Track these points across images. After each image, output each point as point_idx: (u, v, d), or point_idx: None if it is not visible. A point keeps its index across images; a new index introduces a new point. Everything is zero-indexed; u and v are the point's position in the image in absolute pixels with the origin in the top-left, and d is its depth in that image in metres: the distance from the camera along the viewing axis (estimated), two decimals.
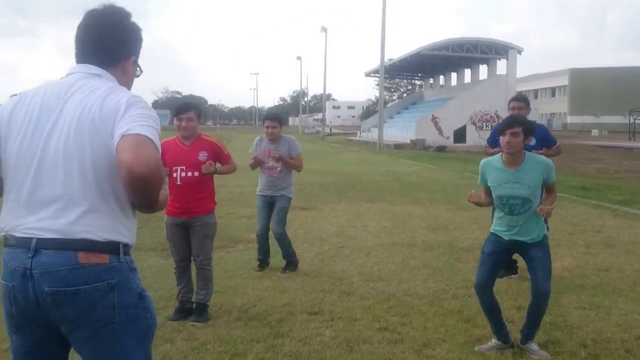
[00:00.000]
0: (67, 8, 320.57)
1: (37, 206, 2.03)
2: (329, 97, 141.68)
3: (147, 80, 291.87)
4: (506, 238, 4.42)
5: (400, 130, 47.96)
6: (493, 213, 4.88)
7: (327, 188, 15.09)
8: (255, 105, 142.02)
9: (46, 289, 1.97)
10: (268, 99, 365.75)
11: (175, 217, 5.21)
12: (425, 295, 5.80)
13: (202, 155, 5.13)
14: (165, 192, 2.18)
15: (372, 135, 49.59)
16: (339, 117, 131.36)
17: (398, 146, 40.18)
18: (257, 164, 6.80)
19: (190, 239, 5.26)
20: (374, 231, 9.16)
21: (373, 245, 8.11)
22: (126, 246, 2.12)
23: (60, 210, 2.00)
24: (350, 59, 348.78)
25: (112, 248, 2.05)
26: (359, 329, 4.89)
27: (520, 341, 4.45)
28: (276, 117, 6.95)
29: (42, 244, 1.98)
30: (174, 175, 5.09)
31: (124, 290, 2.07)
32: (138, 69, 2.37)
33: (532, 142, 5.92)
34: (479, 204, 4.67)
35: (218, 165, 5.27)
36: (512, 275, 6.43)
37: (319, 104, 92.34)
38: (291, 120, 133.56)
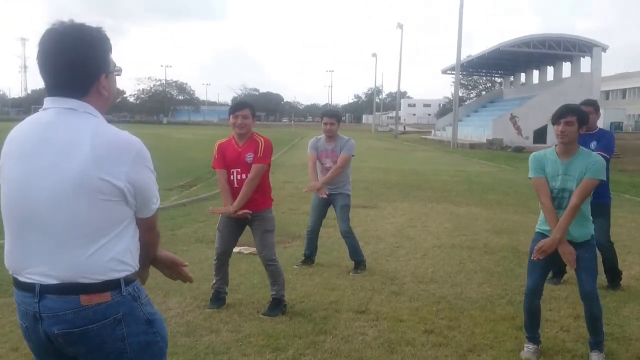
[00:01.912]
0: (151, 6, 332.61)
1: (32, 252, 2.08)
2: (404, 94, 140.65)
3: (225, 78, 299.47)
4: None
5: (476, 129, 47.09)
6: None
7: (391, 187, 15.01)
8: (330, 102, 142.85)
9: (56, 331, 2.06)
10: (343, 97, 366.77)
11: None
12: (477, 300, 5.70)
13: (249, 157, 5.23)
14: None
15: (447, 134, 48.92)
16: (414, 115, 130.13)
17: (473, 146, 39.46)
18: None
19: (253, 236, 5.43)
20: (434, 232, 9.06)
21: (431, 246, 8.03)
22: (127, 278, 2.17)
23: (56, 255, 2.06)
24: (426, 56, 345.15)
25: (112, 285, 2.11)
26: (404, 330, 4.87)
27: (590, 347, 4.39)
28: (335, 114, 7.00)
29: (45, 289, 2.06)
30: (232, 177, 5.26)
31: (131, 320, 2.15)
32: (115, 72, 2.26)
33: (592, 146, 5.73)
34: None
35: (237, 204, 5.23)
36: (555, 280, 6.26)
37: (393, 101, 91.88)
38: (365, 118, 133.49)
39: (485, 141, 40.55)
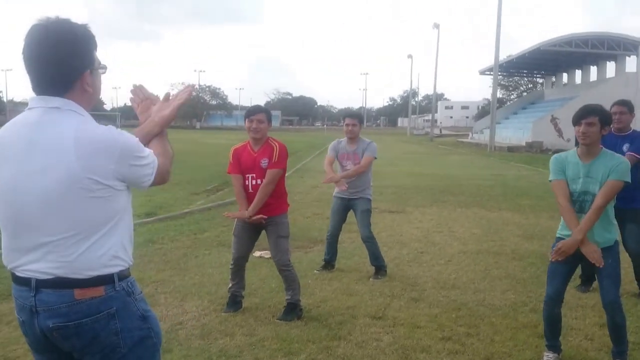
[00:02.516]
0: (189, 12, 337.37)
1: (26, 250, 2.16)
2: (441, 96, 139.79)
3: (259, 82, 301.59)
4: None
5: (515, 131, 46.52)
6: None
7: (422, 191, 14.95)
8: (364, 105, 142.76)
9: (50, 325, 2.14)
10: (377, 100, 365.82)
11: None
12: (500, 307, 5.65)
13: (264, 162, 5.30)
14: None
15: (484, 137, 48.42)
16: (451, 117, 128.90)
17: (511, 149, 38.98)
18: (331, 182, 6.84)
19: (267, 241, 5.50)
20: (460, 237, 9.00)
21: (456, 252, 7.98)
22: (121, 272, 2.24)
23: (49, 253, 2.13)
24: (465, 56, 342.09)
25: (105, 280, 2.18)
26: (420, 337, 4.86)
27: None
28: (357, 115, 7.03)
29: (41, 284, 2.14)
30: (247, 182, 5.35)
31: (125, 315, 2.22)
32: (100, 69, 2.31)
33: (625, 148, 5.64)
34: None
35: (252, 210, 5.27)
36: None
37: (430, 104, 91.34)
38: (400, 122, 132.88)
39: (524, 144, 40.01)
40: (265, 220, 5.32)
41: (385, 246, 8.20)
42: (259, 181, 5.28)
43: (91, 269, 2.14)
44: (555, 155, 4.46)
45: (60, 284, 2.12)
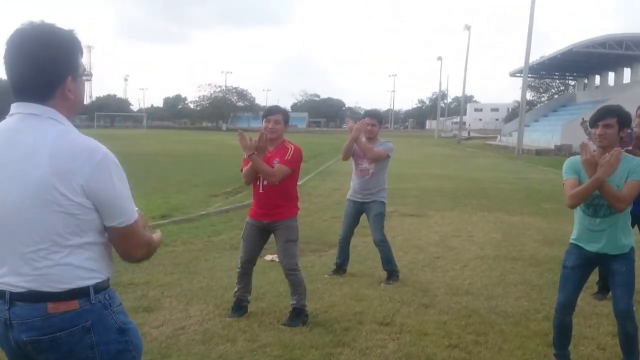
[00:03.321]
0: (216, 13, 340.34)
1: (1, 263, 2.12)
2: (470, 99, 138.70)
3: (286, 84, 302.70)
4: (588, 249, 4.11)
5: (544, 134, 45.91)
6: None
7: (444, 194, 14.80)
8: (392, 107, 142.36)
9: (24, 339, 2.10)
10: (406, 102, 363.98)
11: (256, 219, 5.40)
12: (512, 314, 5.52)
13: (276, 162, 5.24)
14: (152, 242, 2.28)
15: (513, 139, 47.85)
16: (480, 120, 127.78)
17: (540, 152, 38.47)
18: (351, 145, 6.58)
19: (275, 244, 5.46)
20: (479, 242, 8.86)
21: (473, 257, 7.85)
22: (97, 285, 2.17)
23: (21, 267, 2.08)
24: (495, 58, 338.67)
25: (80, 293, 2.12)
26: (426, 344, 4.76)
27: None
28: (377, 115, 6.95)
29: (15, 297, 2.09)
30: (257, 182, 5.28)
31: (101, 329, 2.15)
32: (84, 76, 2.27)
33: None
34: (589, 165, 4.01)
35: (276, 161, 5.20)
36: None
37: (459, 106, 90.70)
38: (428, 124, 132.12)
39: (553, 147, 39.42)
40: (275, 224, 5.28)
41: (400, 250, 8.12)
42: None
43: (64, 282, 2.08)
44: (570, 158, 4.33)
45: (33, 297, 2.07)
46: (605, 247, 4.05)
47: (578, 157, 4.26)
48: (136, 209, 2.15)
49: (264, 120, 5.29)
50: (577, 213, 4.19)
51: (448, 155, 36.01)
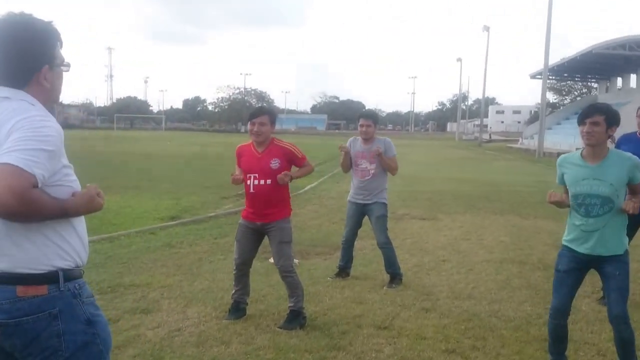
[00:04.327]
0: (235, 15, 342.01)
1: None
2: (491, 101, 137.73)
3: (305, 86, 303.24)
4: (581, 251, 4.05)
5: (566, 137, 45.42)
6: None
7: (458, 197, 14.70)
8: (412, 110, 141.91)
9: None
10: (426, 104, 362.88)
11: (249, 221, 5.39)
12: (513, 319, 5.45)
13: (274, 163, 5.23)
14: (85, 193, 2.19)
15: (534, 142, 47.44)
16: (502, 122, 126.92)
17: (561, 155, 38.00)
18: (347, 160, 6.76)
19: (270, 246, 5.45)
20: (488, 246, 8.77)
21: (480, 260, 7.77)
22: (68, 272, 2.20)
23: None
24: (517, 59, 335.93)
25: (50, 278, 2.14)
26: (423, 348, 4.71)
27: None
28: (371, 116, 6.90)
29: None
30: (248, 182, 5.28)
31: (69, 318, 2.17)
32: (62, 67, 2.31)
33: None
34: (559, 205, 4.23)
35: (294, 169, 5.38)
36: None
37: (480, 108, 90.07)
38: (449, 126, 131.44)
39: (575, 150, 38.99)
40: (268, 225, 5.28)
41: (407, 253, 8.08)
42: (261, 182, 5.21)
43: (34, 265, 2.12)
44: (561, 156, 4.30)
45: (4, 279, 2.11)
46: (596, 248, 3.99)
47: (566, 156, 4.24)
48: (39, 172, 1.99)
49: (250, 123, 5.29)
50: (570, 213, 4.14)
51: (467, 158, 35.79)
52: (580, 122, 4.00)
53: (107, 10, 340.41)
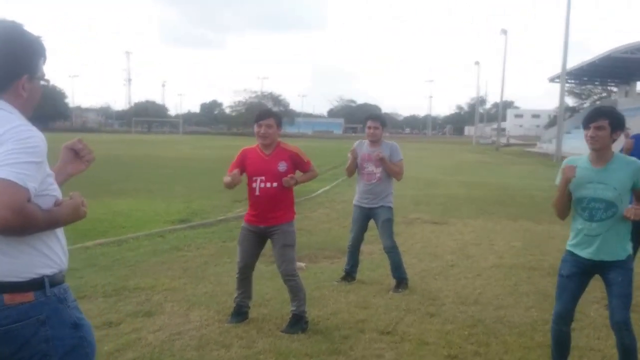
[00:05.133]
0: (252, 19, 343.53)
1: None
2: (510, 104, 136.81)
3: (322, 89, 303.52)
4: (583, 255, 3.99)
5: (584, 141, 44.76)
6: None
7: (472, 202, 14.60)
8: (430, 113, 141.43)
9: None
10: (444, 107, 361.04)
11: (252, 224, 5.38)
12: (519, 325, 5.39)
13: (282, 166, 5.24)
14: (71, 203, 2.21)
15: (552, 146, 47.01)
16: (520, 126, 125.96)
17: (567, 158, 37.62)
18: (354, 164, 6.75)
19: (272, 249, 5.43)
20: (498, 251, 8.69)
21: (489, 266, 7.70)
22: (53, 277, 2.21)
23: None
24: (537, 63, 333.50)
25: (35, 285, 2.16)
26: (424, 354, 4.68)
27: None
28: (379, 118, 6.88)
29: None
30: (253, 185, 5.27)
31: (56, 323, 2.20)
32: (41, 81, 2.32)
33: None
34: (566, 184, 4.04)
35: (298, 174, 5.38)
36: None
37: (498, 111, 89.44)
38: (467, 130, 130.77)
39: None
40: (271, 228, 5.28)
41: (415, 258, 8.03)
42: (268, 185, 5.21)
43: (20, 273, 2.14)
44: (567, 159, 4.24)
45: None
46: (599, 254, 3.95)
47: (573, 159, 4.17)
48: (29, 184, 2.00)
49: (256, 125, 5.29)
50: (574, 217, 4.09)
51: (483, 162, 35.56)
52: (585, 126, 3.96)
53: (126, 14, 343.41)
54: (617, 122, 3.91)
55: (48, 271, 2.20)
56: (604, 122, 3.88)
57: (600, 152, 3.94)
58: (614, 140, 3.94)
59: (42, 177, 2.11)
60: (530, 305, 5.97)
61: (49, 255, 2.21)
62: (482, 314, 5.68)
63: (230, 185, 5.14)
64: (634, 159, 4.02)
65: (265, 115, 5.32)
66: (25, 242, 2.13)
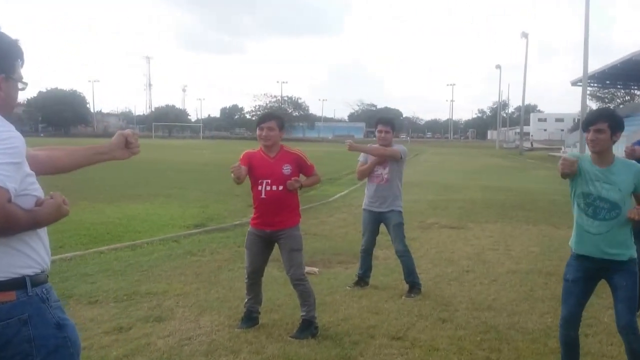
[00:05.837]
0: (270, 24, 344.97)
1: None
2: (533, 108, 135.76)
3: (342, 94, 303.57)
4: (584, 253, 4.01)
5: None
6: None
7: (491, 206, 14.49)
8: (451, 117, 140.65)
9: None
10: (465, 111, 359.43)
11: (258, 229, 5.40)
12: (533, 331, 5.34)
13: (286, 169, 5.25)
14: (53, 203, 2.22)
15: (577, 150, 46.53)
16: (544, 130, 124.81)
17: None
18: (368, 169, 6.73)
19: (280, 254, 5.44)
20: (515, 256, 8.61)
21: (505, 271, 7.63)
22: (34, 277, 2.23)
23: None
24: (560, 66, 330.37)
25: (16, 284, 2.18)
26: None
27: None
28: (389, 122, 6.87)
29: None
30: (259, 188, 5.27)
31: (39, 322, 2.21)
32: (19, 82, 2.34)
33: None
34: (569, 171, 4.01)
35: (302, 178, 5.39)
36: None
37: (521, 115, 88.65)
38: (489, 134, 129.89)
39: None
40: (278, 233, 5.29)
41: (430, 263, 8.00)
42: (274, 187, 5.22)
43: (1, 273, 2.15)
44: (567, 153, 4.21)
45: None
46: (600, 252, 3.94)
47: (583, 155, 4.15)
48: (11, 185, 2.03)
49: (258, 128, 5.30)
50: (577, 213, 4.06)
51: (506, 167, 35.34)
52: (585, 129, 3.96)
53: (146, 19, 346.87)
54: (616, 125, 3.92)
55: (29, 271, 2.21)
56: (604, 125, 3.89)
57: (601, 155, 3.95)
58: (614, 142, 3.93)
59: (21, 177, 2.12)
60: (545, 311, 5.91)
61: (30, 255, 2.22)
62: (496, 320, 5.63)
63: (237, 174, 5.09)
64: (633, 162, 4.07)
65: (266, 118, 5.35)
66: (5, 243, 2.14)
